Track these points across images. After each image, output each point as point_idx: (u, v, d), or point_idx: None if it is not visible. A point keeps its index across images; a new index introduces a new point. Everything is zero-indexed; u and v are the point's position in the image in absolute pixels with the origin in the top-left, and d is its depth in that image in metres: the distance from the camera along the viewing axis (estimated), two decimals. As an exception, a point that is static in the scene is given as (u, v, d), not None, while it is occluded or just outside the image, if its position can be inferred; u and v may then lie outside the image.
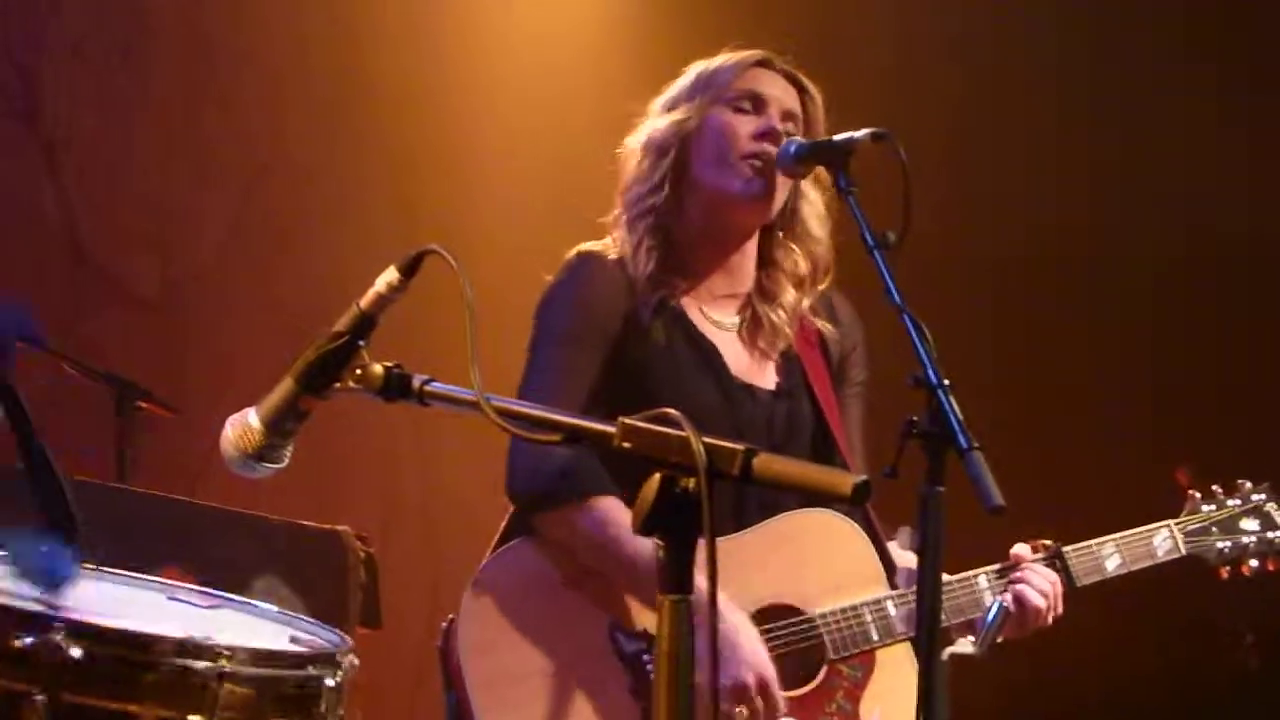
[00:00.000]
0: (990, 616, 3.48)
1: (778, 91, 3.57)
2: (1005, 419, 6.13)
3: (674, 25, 6.37)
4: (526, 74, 6.72)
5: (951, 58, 6.60)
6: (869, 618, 3.46)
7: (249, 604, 2.88)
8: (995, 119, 6.64)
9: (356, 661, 2.68)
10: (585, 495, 3.35)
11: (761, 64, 3.59)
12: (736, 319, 3.62)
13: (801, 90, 3.60)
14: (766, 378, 3.60)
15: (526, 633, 3.34)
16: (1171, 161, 6.48)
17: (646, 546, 3.33)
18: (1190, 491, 3.78)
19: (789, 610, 3.45)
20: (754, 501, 3.46)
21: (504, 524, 3.50)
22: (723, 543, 3.33)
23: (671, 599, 2.19)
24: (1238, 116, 6.49)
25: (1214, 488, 3.79)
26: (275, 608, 2.89)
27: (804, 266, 3.62)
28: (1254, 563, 3.77)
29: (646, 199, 3.53)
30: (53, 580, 2.67)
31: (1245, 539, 3.77)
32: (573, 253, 3.55)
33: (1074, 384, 6.63)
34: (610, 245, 3.56)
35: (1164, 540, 3.70)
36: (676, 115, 3.55)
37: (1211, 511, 3.77)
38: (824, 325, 3.67)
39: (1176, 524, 3.73)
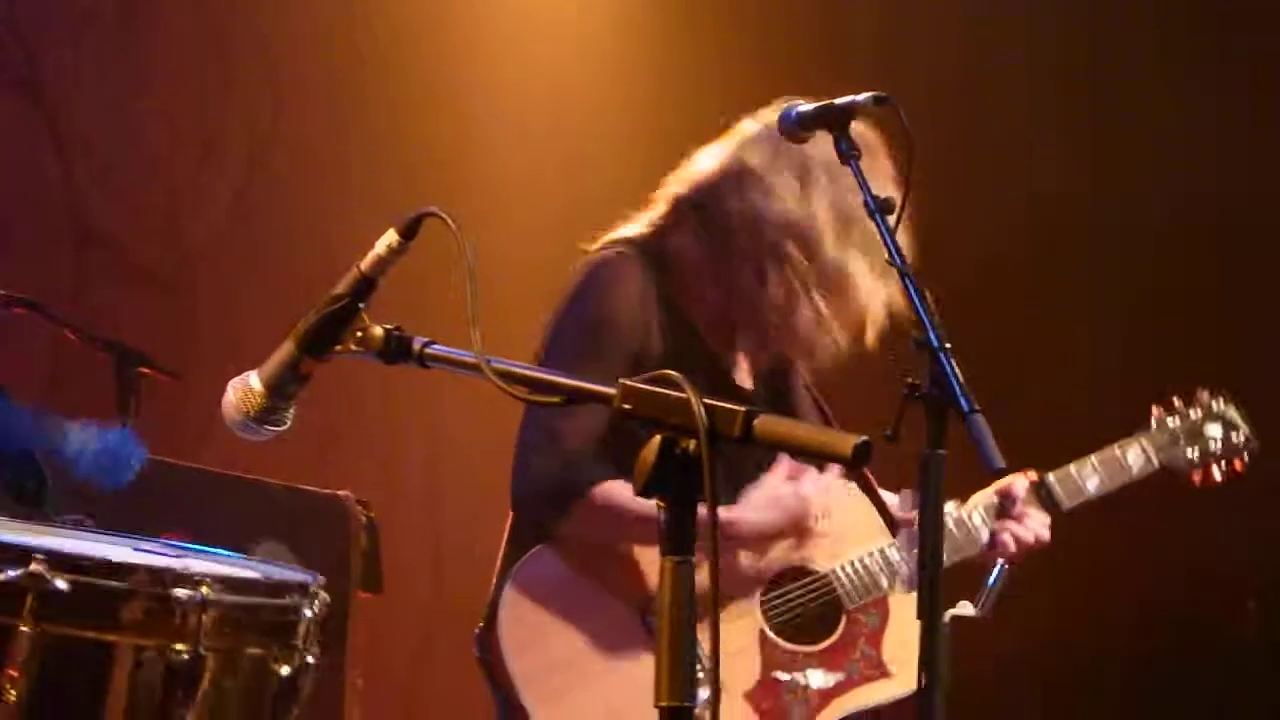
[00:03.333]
0: (991, 579, 3.57)
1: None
2: (1003, 384, 6.16)
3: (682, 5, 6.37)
4: (532, 42, 6.69)
5: (947, 27, 6.58)
6: (876, 567, 3.60)
7: (214, 552, 2.89)
8: (993, 89, 6.62)
9: (329, 599, 2.72)
10: (588, 485, 3.44)
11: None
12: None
13: None
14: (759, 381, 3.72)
15: (563, 626, 3.47)
16: (1169, 130, 6.46)
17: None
18: (1154, 406, 3.92)
19: (800, 571, 3.59)
20: (750, 464, 3.55)
21: (505, 540, 3.58)
22: (726, 511, 3.43)
23: (673, 560, 2.19)
24: (1237, 83, 6.48)
25: (1174, 400, 3.94)
26: (241, 555, 2.91)
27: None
28: (1222, 464, 3.93)
29: (740, 273, 3.55)
30: (121, 468, 2.71)
31: (1212, 444, 3.92)
32: (595, 259, 3.57)
33: (1073, 351, 6.62)
34: (629, 246, 3.58)
35: (1137, 456, 3.84)
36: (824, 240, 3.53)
37: (1177, 423, 3.91)
38: None
39: (1146, 438, 3.87)
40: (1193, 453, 3.90)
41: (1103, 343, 6.52)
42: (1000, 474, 2.93)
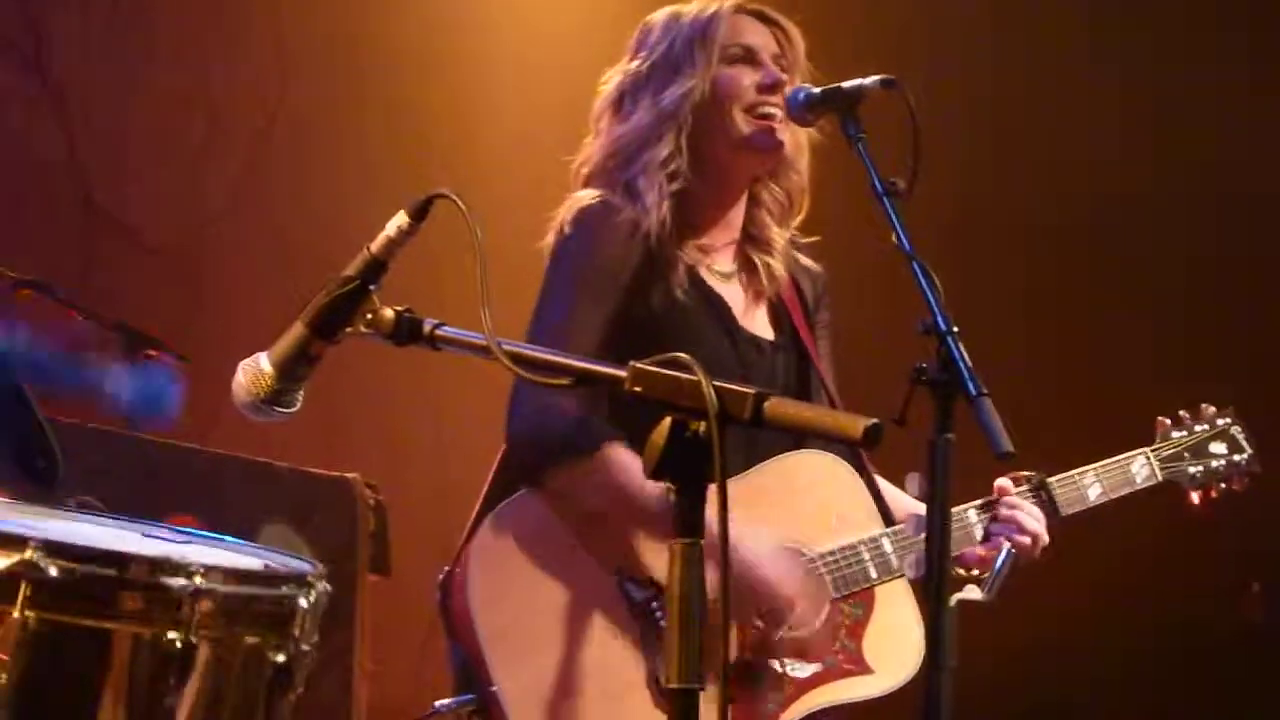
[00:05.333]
0: (998, 563, 3.54)
1: (760, 38, 3.61)
2: (1037, 379, 6.16)
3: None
4: (534, 12, 6.70)
5: (982, 15, 6.58)
6: (866, 556, 3.51)
7: (220, 539, 2.89)
8: (1027, 78, 6.61)
9: (329, 588, 2.72)
10: (599, 443, 3.35)
11: (739, 11, 3.63)
12: (734, 265, 3.67)
13: (776, 26, 3.63)
14: (765, 328, 3.66)
15: (536, 584, 3.35)
16: (1205, 123, 6.45)
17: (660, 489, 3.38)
18: (1159, 419, 3.89)
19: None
20: (763, 443, 3.50)
21: (491, 477, 3.51)
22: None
23: (683, 543, 2.20)
24: (1272, 76, 6.47)
25: (1181, 413, 3.91)
26: (246, 542, 2.91)
27: (783, 199, 3.68)
28: (1222, 485, 3.90)
29: (668, 163, 3.54)
30: (160, 405, 2.72)
31: (1215, 462, 3.89)
32: (584, 202, 3.54)
33: (1107, 344, 6.61)
34: (607, 195, 3.56)
35: (1141, 467, 3.80)
36: (685, 82, 3.55)
37: (1182, 437, 3.88)
38: (802, 265, 3.74)
39: (1151, 451, 3.83)
40: (1196, 470, 3.87)
41: (1158, 328, 6.52)
42: (1007, 457, 2.91)
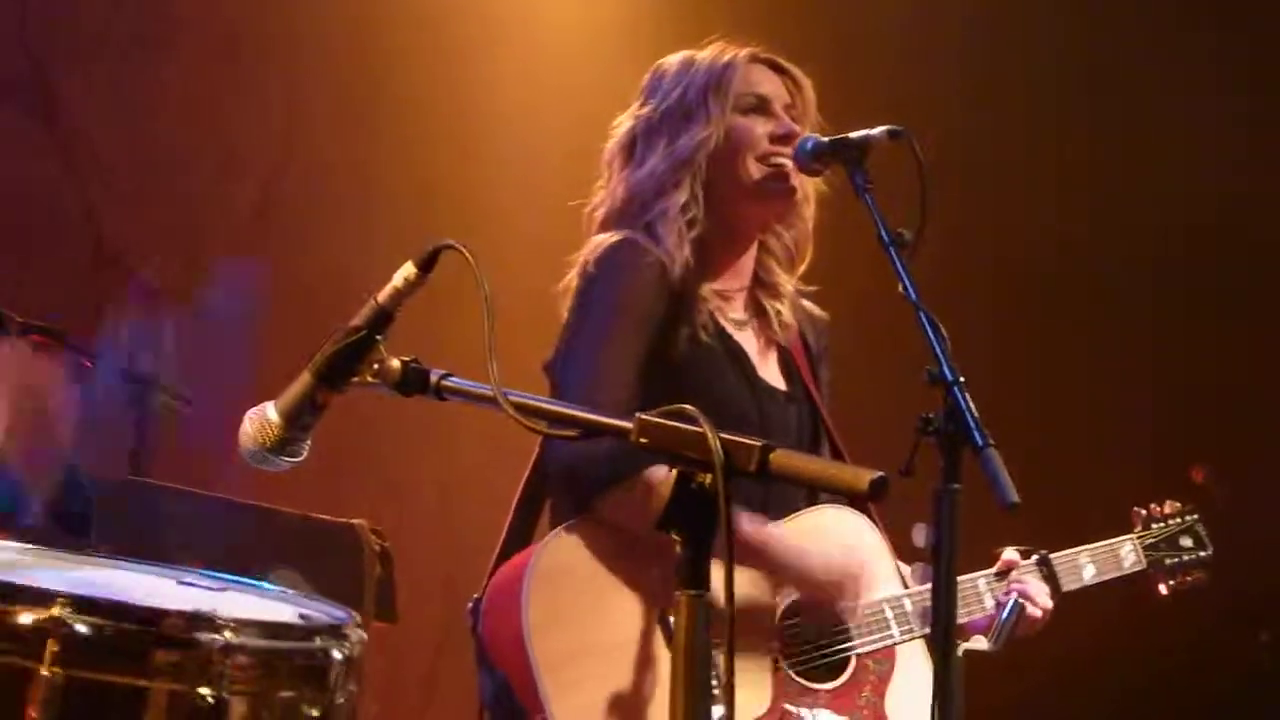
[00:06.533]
0: (1006, 612, 3.58)
1: (773, 87, 3.63)
2: (1009, 420, 6.16)
3: (693, 7, 6.38)
4: (543, 63, 6.72)
5: (954, 57, 6.61)
6: (889, 614, 3.53)
7: (256, 585, 2.87)
8: (995, 120, 6.64)
9: (365, 636, 2.70)
10: (641, 467, 3.31)
11: (753, 60, 3.64)
12: (746, 313, 3.68)
13: (787, 75, 3.65)
14: (778, 378, 3.68)
15: (588, 613, 3.32)
16: (1172, 163, 6.48)
17: None
18: (1135, 509, 4.03)
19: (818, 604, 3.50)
20: (777, 495, 3.50)
21: (515, 505, 3.51)
22: (775, 527, 3.41)
23: (689, 595, 2.19)
24: (1238, 113, 6.50)
25: (1152, 506, 4.05)
26: (282, 588, 2.89)
27: (791, 246, 3.70)
28: (1187, 579, 4.05)
29: (686, 210, 3.55)
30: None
31: (1185, 556, 4.05)
32: (611, 241, 3.52)
33: (1077, 383, 6.63)
34: (632, 235, 3.56)
35: (1129, 553, 3.95)
36: (699, 130, 3.57)
37: (1160, 528, 4.04)
38: (807, 313, 3.75)
39: (1136, 538, 3.98)
40: (1171, 561, 4.01)
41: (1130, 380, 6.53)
42: (1014, 508, 2.91)
